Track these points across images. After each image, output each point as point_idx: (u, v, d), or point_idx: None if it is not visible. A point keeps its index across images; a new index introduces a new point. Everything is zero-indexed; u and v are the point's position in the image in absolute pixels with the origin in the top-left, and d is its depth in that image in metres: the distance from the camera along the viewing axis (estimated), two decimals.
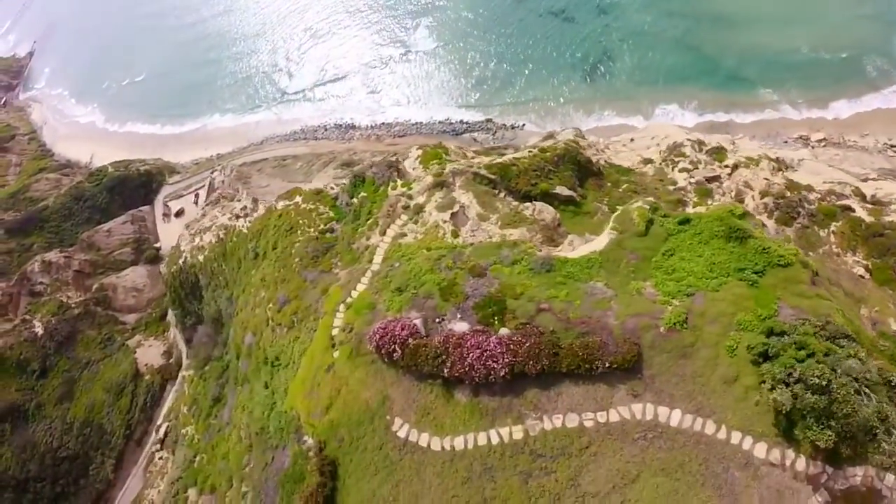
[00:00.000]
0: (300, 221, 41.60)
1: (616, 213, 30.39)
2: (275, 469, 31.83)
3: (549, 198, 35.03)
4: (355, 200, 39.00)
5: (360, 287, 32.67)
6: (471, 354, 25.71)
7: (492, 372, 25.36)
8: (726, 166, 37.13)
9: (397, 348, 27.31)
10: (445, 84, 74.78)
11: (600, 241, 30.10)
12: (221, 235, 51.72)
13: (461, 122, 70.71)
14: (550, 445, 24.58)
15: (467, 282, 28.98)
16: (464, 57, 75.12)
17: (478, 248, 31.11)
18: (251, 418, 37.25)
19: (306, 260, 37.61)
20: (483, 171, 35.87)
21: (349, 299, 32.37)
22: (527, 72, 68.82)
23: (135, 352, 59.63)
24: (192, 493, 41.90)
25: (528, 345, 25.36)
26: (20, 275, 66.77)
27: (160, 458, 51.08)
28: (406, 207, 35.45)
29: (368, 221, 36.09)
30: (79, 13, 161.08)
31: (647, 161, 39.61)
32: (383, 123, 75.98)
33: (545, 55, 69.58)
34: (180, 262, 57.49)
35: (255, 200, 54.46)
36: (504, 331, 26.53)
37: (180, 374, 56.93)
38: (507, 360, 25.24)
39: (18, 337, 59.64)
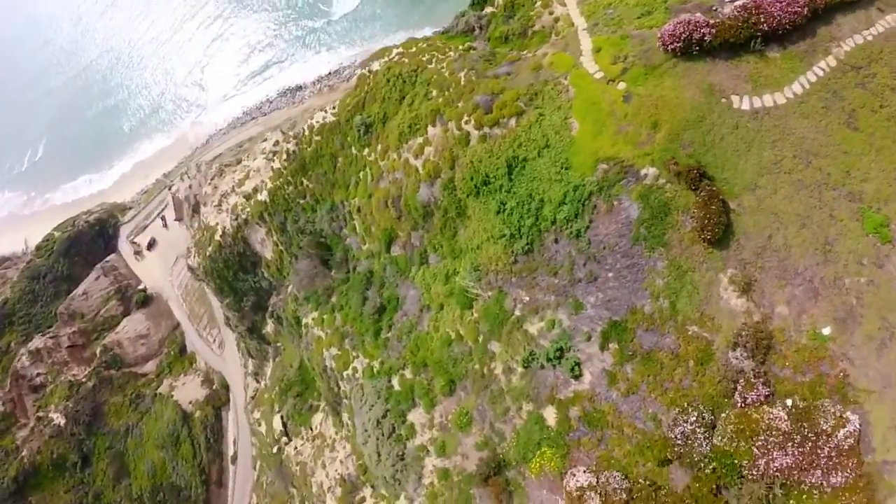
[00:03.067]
0: (423, 59, 35.71)
1: None
2: (613, 235, 26.85)
3: None
4: (489, 10, 36.02)
5: (585, 41, 30.60)
6: (773, 7, 27.21)
7: (796, 14, 27.34)
8: None
9: (706, 30, 26.88)
10: (383, 19, 72.66)
11: None
12: (292, 148, 39.97)
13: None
14: (860, 57, 27.73)
15: None
16: None
17: None
18: (479, 266, 30.22)
19: (480, 65, 32.74)
20: None
21: (583, 53, 29.97)
22: None
23: (171, 397, 49.81)
24: (413, 416, 31.24)
25: None
26: (12, 376, 57.88)
27: (297, 447, 37.19)
28: None
29: (537, 4, 33.78)
30: None
31: None
32: (330, 73, 69.63)
33: None
34: (217, 237, 43.43)
35: (282, 132, 45.04)
36: None
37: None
38: (802, 2, 27.61)
39: (41, 437, 49.47)
